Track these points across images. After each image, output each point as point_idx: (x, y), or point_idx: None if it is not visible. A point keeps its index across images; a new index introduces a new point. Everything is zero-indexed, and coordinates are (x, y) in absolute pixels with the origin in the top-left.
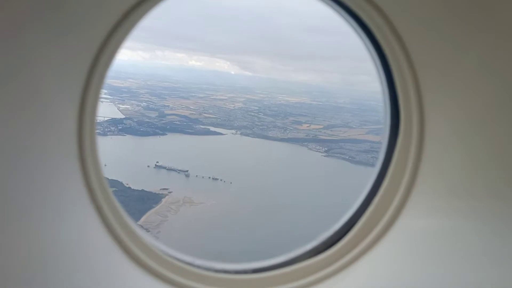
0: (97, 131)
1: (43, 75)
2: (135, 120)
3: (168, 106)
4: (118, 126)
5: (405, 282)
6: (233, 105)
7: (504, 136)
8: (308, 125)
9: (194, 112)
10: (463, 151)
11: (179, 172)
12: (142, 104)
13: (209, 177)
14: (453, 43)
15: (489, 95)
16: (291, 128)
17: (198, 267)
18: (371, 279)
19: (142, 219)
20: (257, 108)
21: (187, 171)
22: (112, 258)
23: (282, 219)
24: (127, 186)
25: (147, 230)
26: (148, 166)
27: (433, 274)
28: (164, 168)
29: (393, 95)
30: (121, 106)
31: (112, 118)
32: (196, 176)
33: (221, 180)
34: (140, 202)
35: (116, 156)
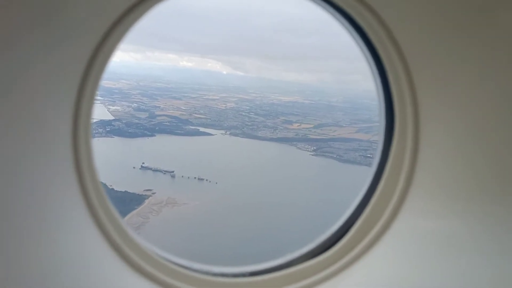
0: None
1: (37, 84)
2: (124, 121)
3: (159, 107)
4: (106, 128)
5: (403, 284)
6: (224, 105)
7: (498, 139)
8: (299, 124)
9: (184, 113)
10: (458, 154)
11: (164, 173)
12: (133, 105)
13: (195, 178)
14: (449, 49)
15: (484, 100)
16: (281, 127)
17: (196, 271)
18: (368, 281)
19: None
20: (248, 107)
21: (173, 171)
22: (107, 262)
23: (265, 218)
24: (111, 187)
25: None
26: (134, 167)
27: (430, 275)
28: (150, 169)
29: (388, 98)
30: (111, 107)
31: (100, 120)
32: (182, 176)
33: (206, 180)
34: (123, 203)
35: (102, 158)
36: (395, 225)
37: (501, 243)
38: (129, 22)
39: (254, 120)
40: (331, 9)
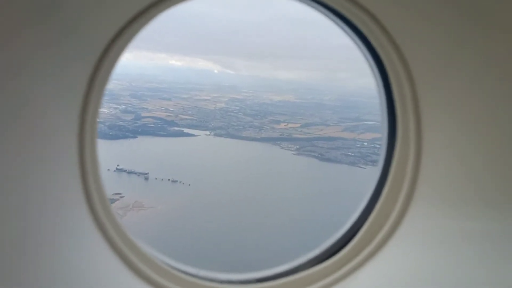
0: None
1: (47, 98)
2: (107, 124)
3: (146, 108)
4: None
5: (409, 287)
6: (214, 105)
7: (497, 145)
8: (286, 124)
9: (171, 114)
10: (460, 160)
11: (138, 175)
12: (120, 107)
13: (169, 180)
14: (449, 58)
15: (484, 107)
16: (268, 127)
17: (203, 278)
18: (375, 285)
19: None
20: (238, 107)
21: (147, 173)
22: (114, 271)
23: (233, 219)
24: None
25: None
26: (108, 170)
27: (435, 278)
28: (125, 171)
29: (391, 104)
30: None
31: None
32: (156, 178)
33: (180, 182)
34: None
35: None
36: (400, 229)
37: (505, 248)
38: (131, 33)
39: (241, 120)
40: (332, 16)
